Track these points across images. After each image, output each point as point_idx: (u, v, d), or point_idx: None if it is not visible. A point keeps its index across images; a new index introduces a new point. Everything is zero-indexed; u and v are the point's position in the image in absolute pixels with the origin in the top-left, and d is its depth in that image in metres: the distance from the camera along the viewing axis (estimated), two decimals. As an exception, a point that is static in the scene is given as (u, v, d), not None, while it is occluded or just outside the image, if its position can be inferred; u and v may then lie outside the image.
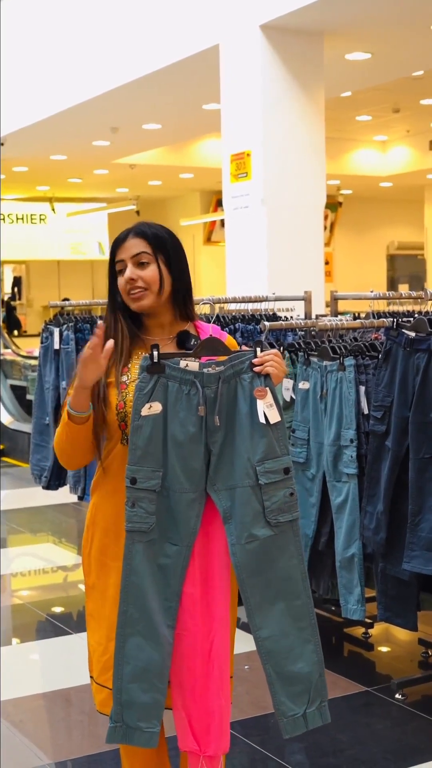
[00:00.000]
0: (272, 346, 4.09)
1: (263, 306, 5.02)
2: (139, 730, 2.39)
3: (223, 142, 6.69)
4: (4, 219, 15.70)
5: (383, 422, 3.63)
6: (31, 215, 16.24)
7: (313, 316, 4.91)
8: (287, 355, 4.11)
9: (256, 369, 2.41)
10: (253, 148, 6.35)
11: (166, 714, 2.50)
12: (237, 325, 4.80)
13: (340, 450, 3.83)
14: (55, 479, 5.61)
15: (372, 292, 4.78)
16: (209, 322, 2.67)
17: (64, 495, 6.18)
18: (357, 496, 3.78)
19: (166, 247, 2.50)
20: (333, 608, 4.60)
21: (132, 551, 2.40)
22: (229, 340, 2.60)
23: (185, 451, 2.39)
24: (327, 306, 6.23)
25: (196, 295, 2.75)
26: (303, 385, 4.01)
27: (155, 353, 2.38)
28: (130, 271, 2.48)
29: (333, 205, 15.78)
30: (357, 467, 3.77)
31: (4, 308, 14.89)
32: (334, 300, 4.99)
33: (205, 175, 13.47)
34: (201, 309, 4.81)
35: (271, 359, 2.42)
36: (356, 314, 5.09)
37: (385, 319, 4.29)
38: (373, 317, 4.45)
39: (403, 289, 16.53)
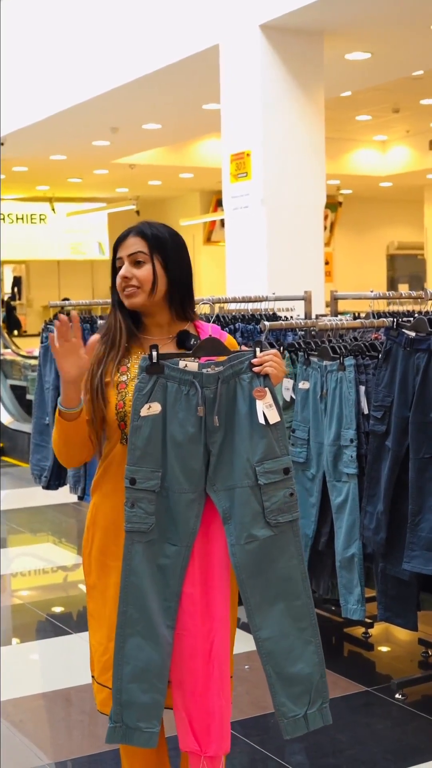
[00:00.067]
0: (272, 346, 4.09)
1: (263, 306, 5.02)
2: (139, 730, 2.39)
3: (223, 142, 6.69)
4: (4, 219, 15.70)
5: (383, 422, 3.63)
6: (31, 215, 16.24)
7: (313, 316, 4.91)
8: (287, 355, 4.11)
9: (256, 369, 2.41)
10: (253, 148, 6.35)
11: (166, 714, 2.50)
12: (237, 325, 4.80)
13: (340, 450, 3.83)
14: (55, 479, 5.61)
15: (372, 292, 4.78)
16: (209, 321, 2.66)
17: (64, 495, 6.18)
18: (357, 496, 3.78)
19: (165, 248, 2.50)
20: (333, 608, 4.60)
21: (131, 552, 2.40)
22: (229, 340, 2.60)
23: (184, 451, 2.39)
24: (327, 306, 6.23)
25: (196, 295, 2.75)
26: (303, 385, 4.01)
27: (154, 353, 2.38)
28: (125, 269, 2.50)
29: (333, 205, 15.78)
30: (357, 467, 3.77)
31: (4, 308, 14.89)
32: (334, 300, 4.99)
33: (205, 175, 13.48)
34: (201, 309, 4.81)
35: (270, 359, 2.42)
36: (356, 314, 5.09)
37: (385, 319, 4.29)
38: (373, 317, 4.45)
39: (403, 289, 16.53)
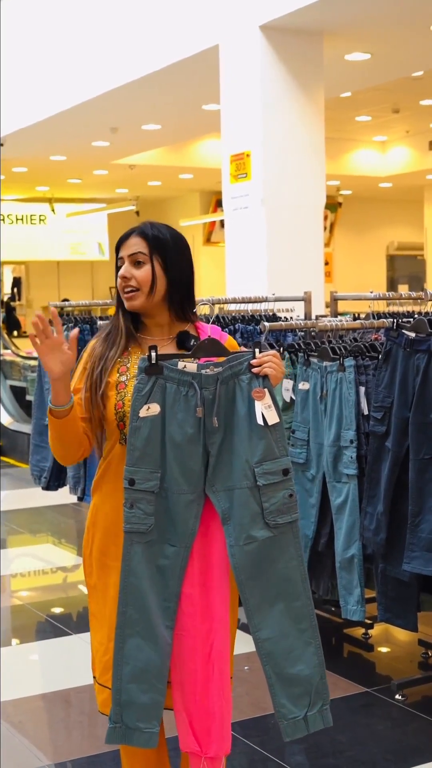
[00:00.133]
0: (272, 347, 4.08)
1: (263, 306, 5.01)
2: (139, 731, 2.39)
3: (222, 142, 6.69)
4: (3, 219, 15.70)
5: (383, 423, 3.63)
6: (31, 216, 16.24)
7: (313, 317, 4.91)
8: (287, 355, 4.11)
9: (255, 370, 2.41)
10: (253, 149, 6.35)
11: (166, 714, 2.50)
12: (237, 325, 4.80)
13: (340, 451, 3.82)
14: (54, 480, 5.61)
15: (372, 292, 4.78)
16: (208, 322, 2.66)
17: (64, 496, 6.18)
18: (357, 497, 3.77)
19: (165, 249, 2.50)
20: (333, 609, 4.60)
21: (130, 552, 2.39)
22: (230, 342, 2.60)
23: (183, 452, 2.39)
24: (327, 306, 6.23)
25: (196, 296, 2.75)
26: (303, 386, 4.01)
27: (153, 354, 2.38)
28: (124, 269, 2.50)
29: (333, 205, 15.78)
30: (357, 468, 3.77)
31: (3, 309, 14.88)
32: (333, 300, 4.99)
33: (204, 175, 13.48)
34: (200, 310, 4.80)
35: (269, 360, 2.41)
36: (356, 315, 5.09)
37: (385, 320, 4.29)
38: (373, 318, 4.45)
39: (403, 289, 16.53)
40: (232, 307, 5.06)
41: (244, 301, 5.03)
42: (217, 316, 4.87)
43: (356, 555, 3.78)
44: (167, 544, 2.42)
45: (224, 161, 6.61)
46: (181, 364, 2.40)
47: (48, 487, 5.63)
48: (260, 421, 2.38)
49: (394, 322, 3.66)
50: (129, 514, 2.39)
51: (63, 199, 16.21)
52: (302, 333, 4.51)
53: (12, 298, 17.38)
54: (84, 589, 5.34)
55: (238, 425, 2.40)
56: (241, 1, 6.43)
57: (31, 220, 16.23)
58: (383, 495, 3.63)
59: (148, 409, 2.38)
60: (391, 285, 17.44)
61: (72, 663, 4.46)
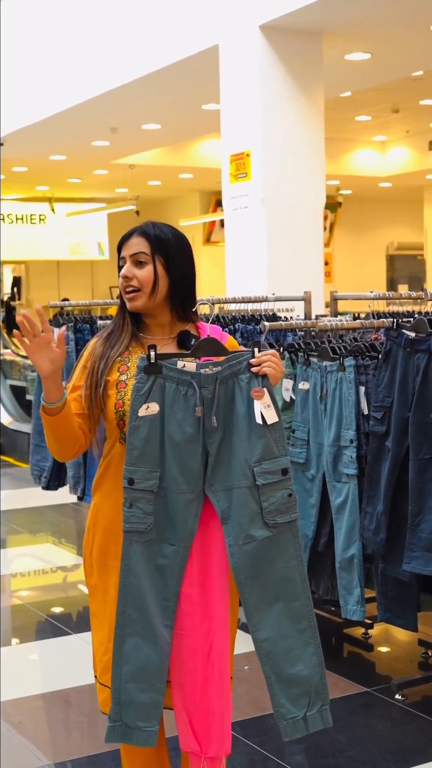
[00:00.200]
0: (272, 347, 4.08)
1: (263, 306, 5.01)
2: (138, 730, 2.40)
3: (222, 142, 6.69)
4: (3, 219, 15.70)
5: (383, 423, 3.63)
6: (31, 215, 16.23)
7: (313, 317, 4.91)
8: (287, 355, 4.11)
9: (254, 369, 2.41)
10: (253, 149, 6.35)
11: (166, 714, 2.50)
12: (237, 325, 4.80)
13: (340, 450, 3.82)
14: (54, 480, 5.61)
15: (372, 292, 4.78)
16: (208, 321, 2.66)
17: (64, 495, 6.18)
18: (357, 497, 3.77)
19: (167, 249, 2.50)
20: (333, 609, 4.60)
21: (129, 552, 2.40)
22: (231, 342, 2.61)
23: (183, 451, 2.39)
24: (327, 306, 6.23)
25: (197, 296, 2.75)
26: (303, 386, 4.01)
27: (152, 353, 2.38)
28: (126, 268, 2.51)
29: (332, 205, 15.78)
30: (357, 468, 3.77)
31: (3, 308, 14.88)
32: (333, 300, 4.99)
33: (204, 175, 13.47)
34: (200, 309, 4.79)
35: (268, 359, 2.41)
36: (356, 314, 5.09)
37: (385, 320, 4.28)
38: (373, 318, 4.45)
39: (403, 289, 16.53)
40: (232, 306, 5.06)
41: (244, 300, 5.03)
42: (217, 316, 4.87)
43: (356, 555, 3.78)
44: (166, 544, 2.42)
45: (224, 161, 6.61)
46: (180, 364, 2.40)
47: (48, 486, 5.63)
48: (259, 421, 2.38)
49: (394, 321, 3.66)
50: (128, 514, 2.39)
51: (63, 198, 16.21)
52: (302, 333, 4.51)
53: (12, 297, 17.36)
54: (84, 589, 5.34)
55: (237, 425, 2.40)
56: (241, 1, 6.43)
57: (31, 219, 16.22)
58: (383, 495, 3.63)
59: (147, 409, 2.38)
60: (391, 285, 17.44)
61: (72, 663, 4.46)
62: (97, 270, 17.54)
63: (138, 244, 2.49)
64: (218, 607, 2.43)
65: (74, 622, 4.99)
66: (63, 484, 5.67)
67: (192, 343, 2.49)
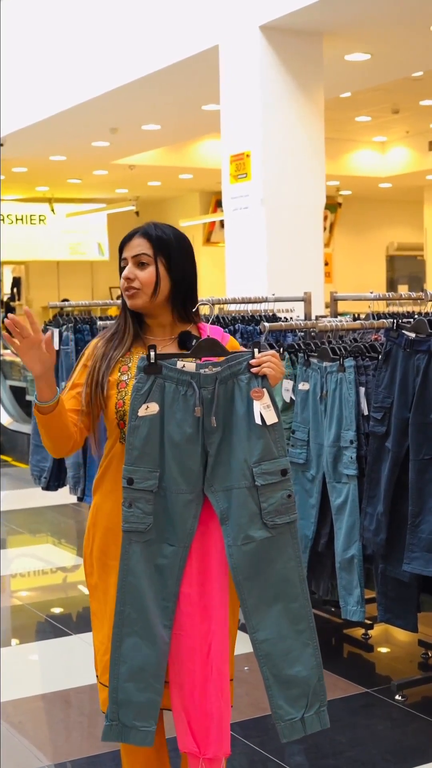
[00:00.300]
0: (272, 347, 4.08)
1: (263, 307, 5.01)
2: (135, 729, 2.40)
3: (222, 142, 6.69)
4: (3, 219, 15.70)
5: (383, 423, 3.63)
6: (31, 216, 16.23)
7: (313, 317, 4.91)
8: (287, 356, 4.11)
9: (254, 370, 2.41)
10: (253, 149, 6.35)
11: (167, 715, 2.50)
12: (237, 326, 4.80)
13: (340, 451, 3.82)
14: (54, 480, 5.60)
15: (372, 293, 4.78)
16: (208, 322, 2.66)
17: (64, 496, 6.18)
18: (357, 498, 3.77)
19: (169, 250, 2.50)
20: (333, 609, 4.60)
21: (128, 551, 2.40)
22: (232, 343, 2.61)
23: (182, 451, 2.39)
24: (327, 307, 6.23)
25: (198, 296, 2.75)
26: (303, 386, 4.01)
27: (152, 353, 2.38)
28: (128, 270, 2.51)
29: (332, 205, 15.77)
30: (357, 468, 3.77)
31: (3, 309, 14.88)
32: (333, 301, 4.99)
33: (204, 175, 13.47)
34: (200, 310, 4.80)
35: (268, 360, 2.41)
36: (356, 315, 5.09)
37: (385, 320, 4.28)
38: (373, 318, 4.45)
39: (403, 290, 16.52)
40: (232, 307, 5.06)
41: (244, 301, 5.03)
42: (216, 317, 4.87)
43: (356, 555, 3.78)
44: (166, 544, 2.42)
45: (224, 161, 6.61)
46: (180, 364, 2.40)
47: (48, 487, 5.63)
48: (258, 421, 2.38)
49: (394, 322, 3.66)
50: (127, 513, 2.39)
51: (63, 199, 16.21)
52: (302, 333, 4.51)
53: (12, 298, 17.37)
54: (84, 589, 5.35)
55: (237, 425, 2.40)
56: (241, 2, 6.43)
57: (31, 220, 16.22)
58: (383, 495, 3.63)
59: (146, 409, 2.38)
60: (391, 285, 17.43)
61: (72, 663, 4.46)
62: (97, 270, 17.54)
63: (140, 245, 2.50)
64: (217, 607, 2.43)
65: (74, 622, 4.99)
66: (63, 485, 5.66)
67: (192, 343, 2.49)
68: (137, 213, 14.99)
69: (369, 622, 4.38)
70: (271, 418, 2.39)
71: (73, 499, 5.67)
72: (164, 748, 2.66)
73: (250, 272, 6.44)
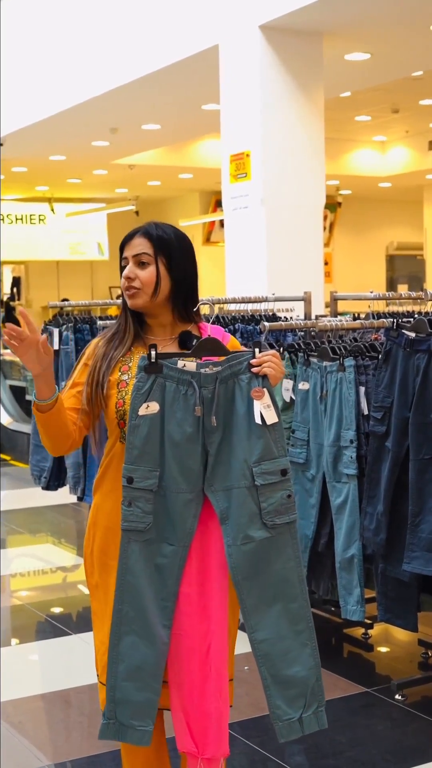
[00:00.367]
0: (272, 347, 4.08)
1: (263, 306, 5.01)
2: (132, 728, 2.40)
3: (222, 142, 6.69)
4: (3, 219, 15.70)
5: (383, 423, 3.63)
6: (30, 215, 16.23)
7: (313, 317, 4.91)
8: (287, 355, 4.11)
9: (254, 370, 2.41)
10: (253, 149, 6.35)
11: (167, 715, 2.50)
12: (237, 325, 4.80)
13: (340, 451, 3.82)
14: (54, 480, 5.61)
15: (371, 292, 4.77)
16: (208, 322, 2.66)
17: (64, 496, 6.18)
18: (357, 497, 3.77)
19: (170, 250, 2.50)
20: (333, 609, 4.60)
21: (127, 551, 2.40)
22: (233, 343, 2.61)
23: (182, 451, 2.39)
24: (327, 306, 6.23)
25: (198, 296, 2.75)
26: (303, 386, 4.01)
27: (153, 353, 2.38)
28: (128, 269, 2.51)
29: (332, 205, 15.77)
30: (357, 468, 3.77)
31: (3, 308, 14.88)
32: (333, 300, 4.99)
33: (204, 175, 13.47)
34: (201, 309, 4.80)
35: (268, 360, 2.42)
36: (356, 315, 5.08)
37: (385, 320, 4.28)
38: (373, 318, 4.44)
39: (403, 289, 16.53)
40: (232, 307, 5.06)
41: (244, 301, 5.03)
42: (216, 316, 4.87)
43: (356, 555, 3.78)
44: (165, 543, 2.42)
45: (224, 161, 6.61)
46: (180, 363, 2.40)
47: (48, 487, 5.63)
48: (259, 421, 2.38)
49: (394, 322, 3.66)
50: (127, 512, 2.39)
51: (62, 199, 16.21)
52: (302, 333, 4.51)
53: (11, 297, 17.37)
54: (84, 589, 5.35)
55: (237, 425, 2.40)
56: (241, 1, 6.43)
57: (31, 219, 16.22)
58: (383, 495, 3.63)
59: (147, 408, 2.38)
60: (391, 285, 17.44)
61: (72, 663, 4.46)
62: (97, 270, 17.54)
63: (140, 245, 2.50)
64: (217, 607, 2.43)
65: (74, 622, 4.99)
66: (63, 485, 5.67)
67: (193, 343, 2.49)
68: (137, 213, 14.99)
69: (369, 621, 4.37)
70: (272, 417, 2.39)
71: (73, 498, 5.67)
72: (164, 747, 2.66)
73: (250, 272, 6.44)
